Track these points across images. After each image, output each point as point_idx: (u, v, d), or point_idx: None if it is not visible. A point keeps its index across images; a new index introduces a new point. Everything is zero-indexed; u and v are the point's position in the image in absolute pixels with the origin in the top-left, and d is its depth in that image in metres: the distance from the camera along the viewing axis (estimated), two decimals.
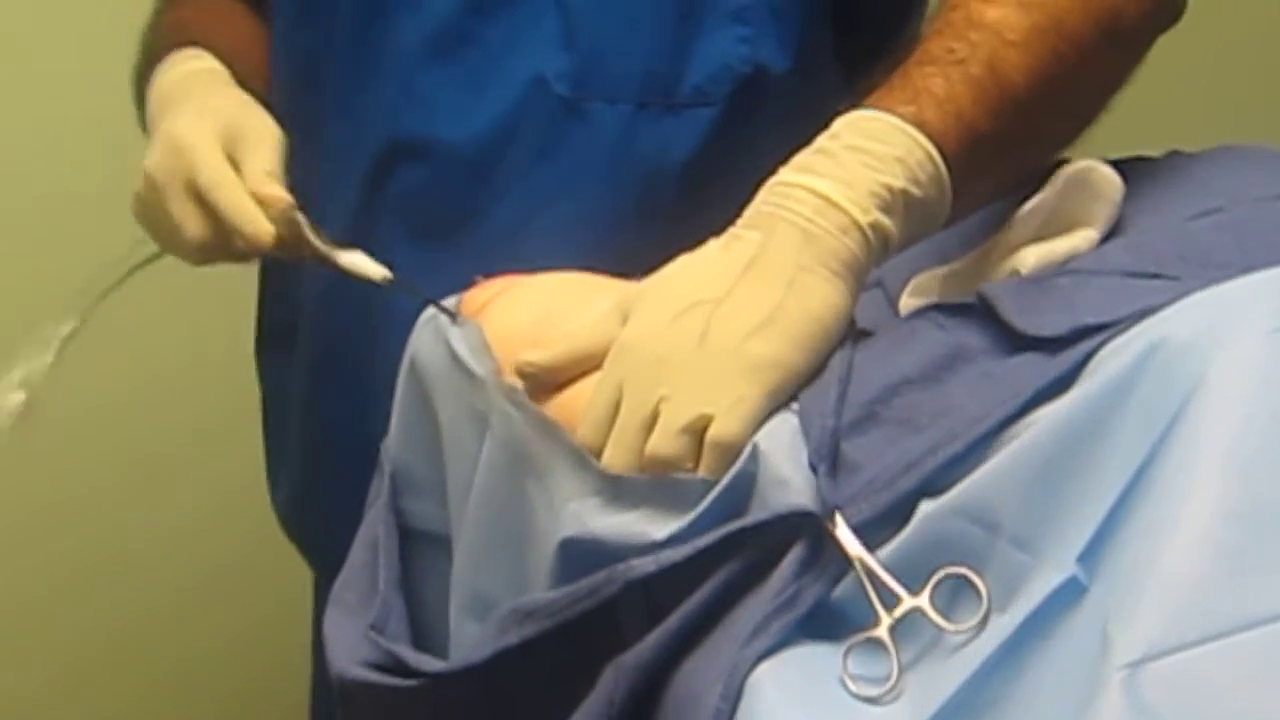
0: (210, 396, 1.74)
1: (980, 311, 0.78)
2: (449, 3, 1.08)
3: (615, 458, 0.80)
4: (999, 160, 0.86)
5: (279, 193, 1.00)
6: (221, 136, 1.02)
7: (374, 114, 1.11)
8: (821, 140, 0.85)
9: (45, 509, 1.80)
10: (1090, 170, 0.84)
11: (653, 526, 0.78)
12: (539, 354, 0.85)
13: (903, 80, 0.86)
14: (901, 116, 0.83)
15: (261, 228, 0.99)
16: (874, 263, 0.83)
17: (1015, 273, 0.83)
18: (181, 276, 1.71)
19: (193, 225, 1.01)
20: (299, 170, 1.16)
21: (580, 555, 0.79)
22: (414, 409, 0.93)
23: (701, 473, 0.78)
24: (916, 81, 0.85)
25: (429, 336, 0.92)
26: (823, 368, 0.80)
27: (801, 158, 0.84)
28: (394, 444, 0.95)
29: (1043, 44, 0.86)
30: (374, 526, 0.94)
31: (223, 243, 1.01)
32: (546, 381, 0.85)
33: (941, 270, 0.89)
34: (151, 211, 1.04)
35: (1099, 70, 0.90)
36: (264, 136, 1.03)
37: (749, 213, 0.84)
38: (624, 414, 0.80)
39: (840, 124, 0.85)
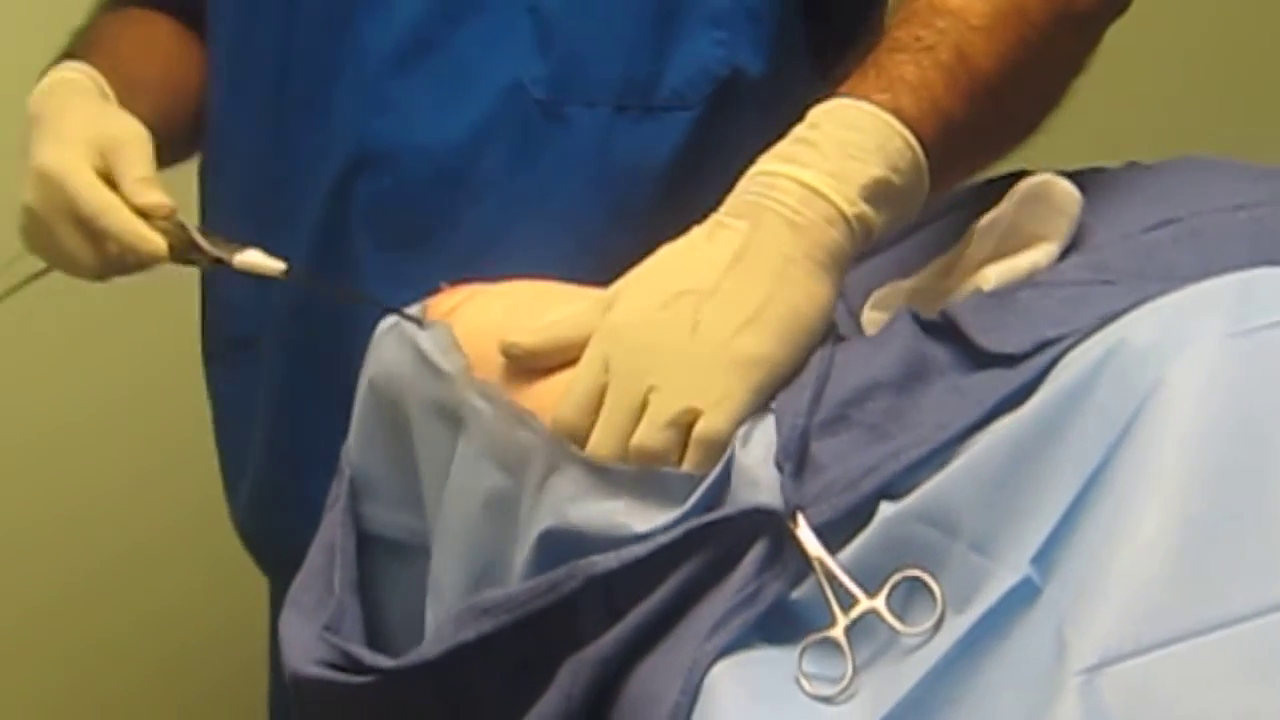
0: (170, 403, 1.73)
1: (944, 329, 0.79)
2: (416, 10, 1.09)
3: (602, 444, 0.80)
4: (972, 145, 0.88)
5: (160, 199, 1.01)
6: (90, 155, 1.02)
7: (340, 122, 1.11)
8: (801, 129, 0.85)
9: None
10: (1049, 183, 0.85)
11: (633, 519, 0.78)
12: (526, 337, 0.85)
13: (875, 69, 0.86)
14: (878, 104, 0.84)
15: (154, 244, 1.00)
16: (857, 252, 0.84)
17: (978, 291, 0.84)
18: (132, 289, 1.73)
19: (84, 254, 1.03)
20: (266, 177, 1.16)
21: (558, 546, 0.79)
22: (374, 417, 0.93)
23: (686, 467, 0.78)
24: (889, 70, 0.86)
25: (392, 342, 0.92)
26: (804, 364, 0.81)
27: (783, 147, 0.84)
28: (354, 447, 0.95)
29: (1006, 28, 0.88)
30: (332, 529, 0.94)
31: (115, 263, 1.03)
32: (527, 366, 0.85)
33: (905, 284, 0.90)
34: (40, 242, 1.05)
35: (1059, 54, 0.91)
36: (131, 142, 1.03)
37: (732, 200, 0.84)
38: (612, 400, 0.80)
39: (818, 113, 0.85)
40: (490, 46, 1.08)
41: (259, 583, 1.30)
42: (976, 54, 0.87)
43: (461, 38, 1.08)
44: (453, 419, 0.86)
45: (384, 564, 0.95)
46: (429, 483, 0.89)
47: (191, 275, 1.27)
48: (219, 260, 1.01)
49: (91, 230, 1.01)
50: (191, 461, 1.37)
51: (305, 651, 0.87)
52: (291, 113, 1.13)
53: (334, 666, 0.85)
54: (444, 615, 0.86)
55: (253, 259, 1.00)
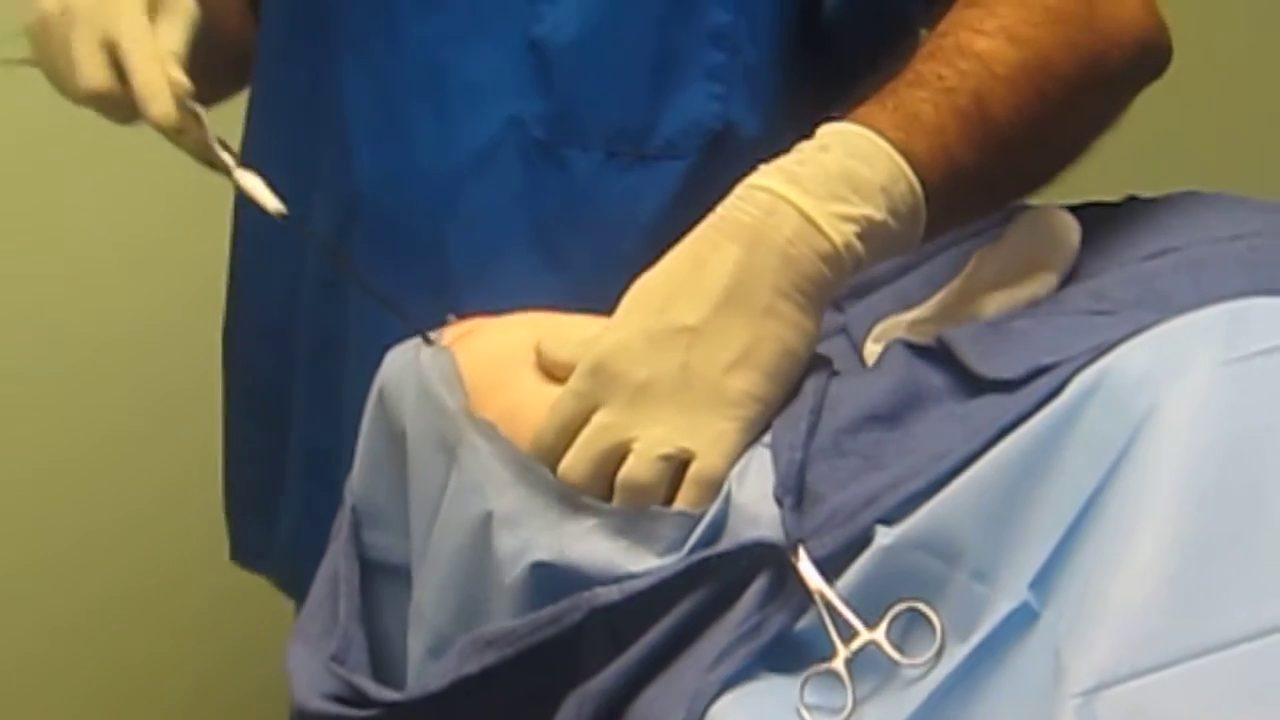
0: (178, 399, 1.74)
1: (940, 356, 0.79)
2: (433, 31, 1.09)
3: (574, 467, 0.81)
4: (976, 194, 0.87)
5: (180, 78, 0.97)
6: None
7: (357, 139, 1.11)
8: (810, 149, 0.84)
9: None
10: (1048, 215, 0.86)
11: (629, 559, 0.78)
12: (560, 350, 0.85)
13: (894, 100, 0.85)
14: (892, 142, 0.83)
15: (167, 108, 0.96)
16: (841, 285, 0.84)
17: (976, 320, 0.84)
18: (158, 287, 1.74)
19: (94, 74, 0.97)
20: (295, 183, 1.17)
21: (552, 580, 0.79)
22: (380, 441, 0.93)
23: (679, 505, 0.79)
24: (907, 105, 0.85)
25: (399, 366, 0.92)
26: (796, 395, 0.81)
27: (788, 164, 0.84)
28: (357, 477, 0.95)
29: (1029, 82, 0.87)
30: (335, 560, 0.94)
31: (117, 102, 0.99)
32: (552, 377, 0.86)
33: (906, 317, 0.90)
34: (52, 39, 1.00)
35: (1082, 112, 0.90)
36: (181, 10, 1.00)
37: (727, 213, 0.83)
38: (594, 429, 0.81)
39: (830, 136, 0.84)
40: (494, 78, 1.08)
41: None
42: (995, 103, 0.86)
43: (467, 65, 1.09)
44: (449, 452, 0.86)
45: (388, 590, 0.95)
46: (417, 511, 0.89)
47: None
48: (218, 165, 0.97)
49: (115, 58, 0.97)
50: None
51: (311, 684, 0.87)
52: (318, 127, 1.14)
53: (339, 699, 0.86)
54: (428, 645, 0.87)
55: (252, 183, 0.97)
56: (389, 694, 0.84)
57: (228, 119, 1.16)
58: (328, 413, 1.18)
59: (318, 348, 1.19)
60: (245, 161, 0.99)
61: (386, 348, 0.95)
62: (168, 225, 1.75)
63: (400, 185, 1.10)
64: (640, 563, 0.78)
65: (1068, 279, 0.85)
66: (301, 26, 1.15)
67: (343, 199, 1.12)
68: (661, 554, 0.78)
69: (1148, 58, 0.94)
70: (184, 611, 1.85)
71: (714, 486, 0.79)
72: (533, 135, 1.07)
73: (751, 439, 0.80)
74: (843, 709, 0.71)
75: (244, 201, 1.25)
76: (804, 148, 0.84)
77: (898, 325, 0.89)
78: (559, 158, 1.07)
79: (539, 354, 0.86)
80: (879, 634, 0.72)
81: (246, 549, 1.33)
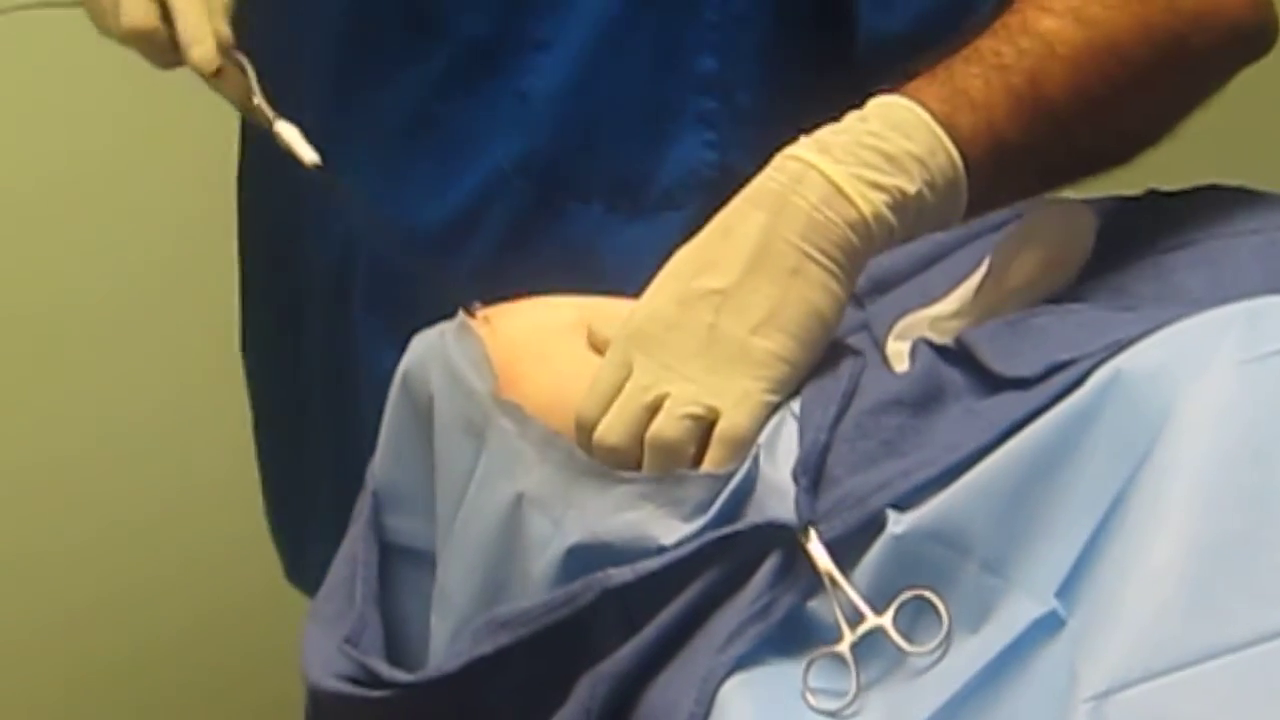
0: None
1: (960, 356, 0.79)
2: (421, 81, 1.08)
3: (611, 429, 0.81)
4: (1026, 171, 0.86)
5: (224, 28, 0.99)
6: None
7: (354, 185, 1.09)
8: (849, 120, 0.84)
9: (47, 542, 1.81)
10: (1065, 208, 0.86)
11: (659, 529, 0.78)
12: (607, 329, 0.85)
13: (945, 74, 0.85)
14: (934, 114, 0.83)
15: (209, 52, 0.98)
16: (874, 255, 0.83)
17: (995, 317, 0.84)
18: (195, 322, 1.76)
19: (139, 12, 0.99)
20: (289, 221, 1.17)
21: (588, 561, 0.79)
22: (404, 425, 0.93)
23: (708, 466, 0.79)
24: (957, 80, 0.84)
25: (423, 351, 0.92)
26: (832, 372, 0.81)
27: (824, 134, 0.83)
28: (380, 462, 0.95)
29: (1092, 62, 0.85)
30: (354, 543, 0.94)
31: (158, 42, 1.00)
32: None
33: (927, 313, 0.90)
34: None
35: (1155, 95, 0.88)
36: None
37: (759, 183, 0.83)
38: (628, 392, 0.81)
39: (872, 107, 0.84)
40: (483, 129, 1.07)
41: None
42: (1051, 83, 0.85)
43: (458, 116, 1.08)
44: (477, 435, 0.87)
45: (407, 574, 0.95)
46: (443, 494, 0.89)
47: None
48: (258, 115, 0.98)
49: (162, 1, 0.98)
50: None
51: (325, 664, 0.87)
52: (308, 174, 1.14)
53: (352, 680, 0.86)
54: (453, 628, 0.87)
55: (290, 134, 0.98)
56: (401, 675, 0.84)
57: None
58: (347, 441, 1.16)
59: (330, 375, 1.18)
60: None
61: (391, 369, 0.94)
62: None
63: (395, 235, 1.09)
64: (668, 528, 0.78)
65: (1088, 273, 0.84)
66: (292, 71, 1.13)
67: (337, 242, 1.12)
68: (688, 518, 0.78)
69: (1240, 41, 0.91)
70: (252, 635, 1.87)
71: (740, 446, 0.79)
72: (526, 187, 1.06)
73: (780, 400, 0.80)
74: (847, 693, 0.71)
75: (248, 210, 1.26)
76: (846, 119, 0.84)
77: (919, 322, 0.89)
78: (556, 210, 1.07)
79: (590, 334, 0.87)
80: (886, 620, 0.72)
81: (287, 567, 1.33)
